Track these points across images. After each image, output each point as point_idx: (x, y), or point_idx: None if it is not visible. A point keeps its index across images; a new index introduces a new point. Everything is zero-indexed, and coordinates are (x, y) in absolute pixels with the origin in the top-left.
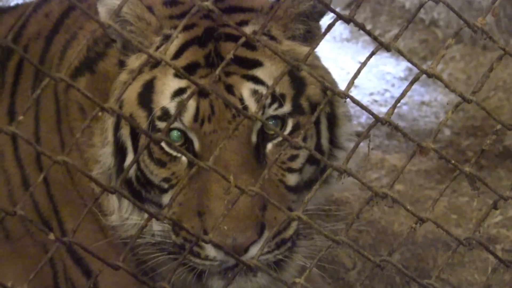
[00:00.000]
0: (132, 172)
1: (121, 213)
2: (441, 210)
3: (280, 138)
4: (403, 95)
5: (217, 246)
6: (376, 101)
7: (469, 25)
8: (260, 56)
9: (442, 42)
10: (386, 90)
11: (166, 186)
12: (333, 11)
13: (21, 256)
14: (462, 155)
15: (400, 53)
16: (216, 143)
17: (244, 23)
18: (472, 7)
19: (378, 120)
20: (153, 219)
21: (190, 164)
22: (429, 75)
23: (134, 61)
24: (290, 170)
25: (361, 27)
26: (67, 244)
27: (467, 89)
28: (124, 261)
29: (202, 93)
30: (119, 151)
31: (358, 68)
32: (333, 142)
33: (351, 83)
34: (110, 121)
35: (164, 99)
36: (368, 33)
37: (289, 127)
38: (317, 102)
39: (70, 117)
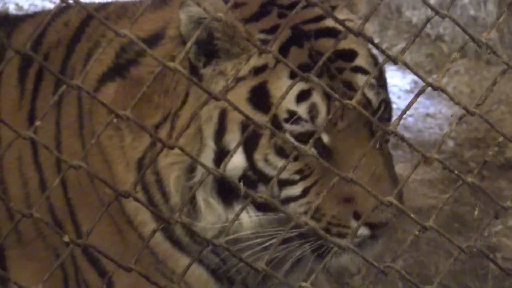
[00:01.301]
0: (236, 173)
1: (211, 216)
2: (443, 219)
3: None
4: (408, 107)
5: (372, 226)
6: None
7: (474, 40)
8: (352, 44)
9: (448, 56)
10: (392, 102)
11: (298, 177)
12: (344, 25)
13: (32, 259)
14: (465, 166)
15: (406, 66)
16: (348, 135)
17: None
18: (477, 23)
19: (384, 131)
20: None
21: (321, 155)
22: (435, 88)
23: (231, 68)
24: None
25: (370, 40)
26: (81, 246)
27: (471, 102)
28: (136, 263)
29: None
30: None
31: (366, 80)
32: None
33: (359, 95)
34: (210, 129)
35: (288, 102)
36: (376, 46)
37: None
38: None
39: (94, 121)
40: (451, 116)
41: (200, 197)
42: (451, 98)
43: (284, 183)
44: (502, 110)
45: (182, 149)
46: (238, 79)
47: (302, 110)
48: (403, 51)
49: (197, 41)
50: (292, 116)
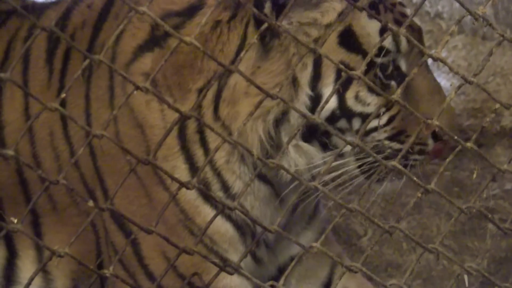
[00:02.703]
0: (325, 115)
1: (306, 159)
2: (444, 183)
3: None
4: (410, 77)
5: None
6: None
7: (471, 13)
8: None
9: (446, 32)
10: None
11: (384, 110)
12: (348, 1)
13: (67, 225)
14: (463, 134)
15: (408, 39)
16: (414, 61)
17: None
18: (473, 1)
19: (388, 99)
20: None
21: (400, 82)
22: (434, 59)
23: (321, 16)
24: None
25: (374, 15)
26: (105, 211)
27: (468, 74)
28: (158, 225)
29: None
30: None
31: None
32: None
33: (363, 66)
34: (306, 77)
35: (375, 39)
36: (380, 20)
37: None
38: None
39: (127, 90)
40: (450, 85)
41: (289, 143)
42: (450, 68)
43: (368, 116)
44: (497, 82)
45: (282, 100)
46: (326, 26)
47: (387, 42)
48: (404, 25)
49: None
50: (381, 51)
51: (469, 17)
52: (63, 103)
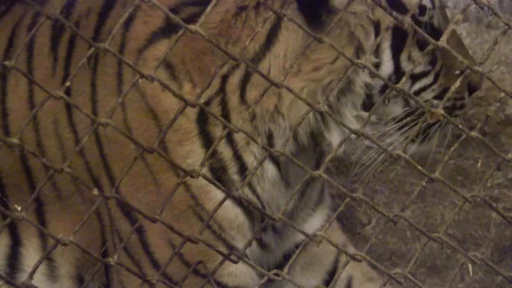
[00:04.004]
0: (380, 82)
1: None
2: (448, 172)
3: None
4: (415, 65)
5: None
6: None
7: (476, 2)
8: None
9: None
10: None
11: (430, 67)
12: None
13: (71, 212)
14: (467, 123)
15: (414, 28)
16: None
17: None
18: None
19: (393, 88)
20: None
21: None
22: (440, 47)
23: None
24: None
25: (378, 3)
26: (109, 199)
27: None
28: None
29: None
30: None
31: (377, 39)
32: None
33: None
34: (369, 43)
35: None
36: (385, 9)
37: None
38: None
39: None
40: (454, 73)
41: (350, 114)
42: (455, 56)
43: (418, 76)
44: (501, 71)
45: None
46: None
47: (425, 1)
48: (409, 13)
49: None
50: (422, 9)
51: (474, 5)
52: (67, 91)
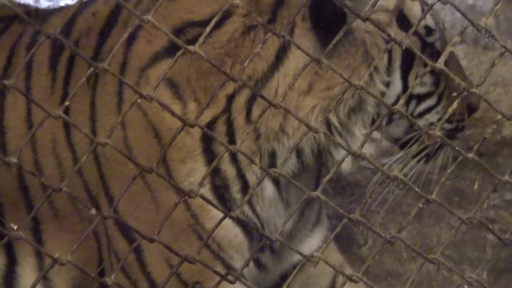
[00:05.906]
0: (391, 101)
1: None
2: (444, 193)
3: None
4: (413, 87)
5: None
6: None
7: (473, 24)
8: None
9: (448, 41)
10: None
11: (434, 88)
12: (353, 12)
13: (68, 231)
14: (464, 144)
15: (411, 49)
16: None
17: None
18: (475, 10)
19: (390, 109)
20: None
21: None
22: (437, 69)
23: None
24: None
25: (376, 24)
26: (107, 218)
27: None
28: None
29: None
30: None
31: (373, 63)
32: None
33: (366, 76)
34: (383, 63)
35: (425, 20)
36: (383, 31)
37: None
38: None
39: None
40: (453, 95)
41: (359, 133)
42: (452, 78)
43: (423, 97)
44: (498, 92)
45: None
46: (385, 10)
47: (430, 22)
48: (407, 35)
49: None
50: (428, 30)
51: (471, 27)
52: (66, 110)
